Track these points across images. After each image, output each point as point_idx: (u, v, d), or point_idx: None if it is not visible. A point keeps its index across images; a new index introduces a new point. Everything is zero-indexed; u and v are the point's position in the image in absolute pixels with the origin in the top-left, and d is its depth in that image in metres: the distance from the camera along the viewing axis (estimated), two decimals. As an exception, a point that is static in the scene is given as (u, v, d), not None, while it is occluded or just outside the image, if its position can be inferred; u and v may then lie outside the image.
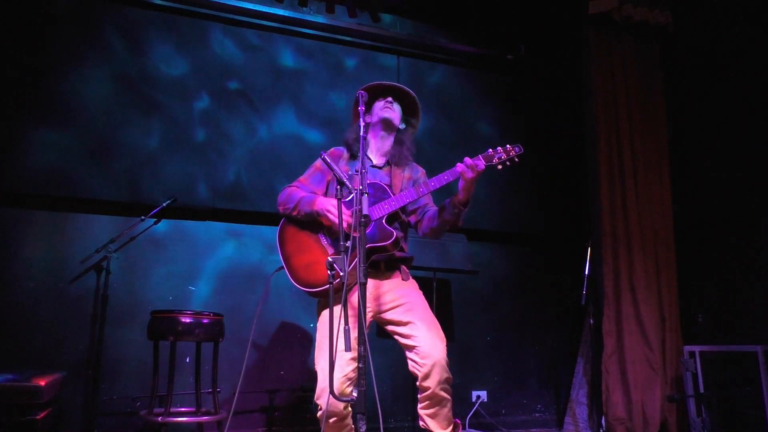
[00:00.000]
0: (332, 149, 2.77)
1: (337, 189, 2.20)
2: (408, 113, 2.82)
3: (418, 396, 2.44)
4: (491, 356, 4.61)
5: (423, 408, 2.44)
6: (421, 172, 2.79)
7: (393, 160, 2.71)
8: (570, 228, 4.90)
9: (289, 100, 4.32)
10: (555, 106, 5.11)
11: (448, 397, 2.42)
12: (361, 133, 2.34)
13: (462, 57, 4.90)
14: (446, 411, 2.43)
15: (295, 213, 2.59)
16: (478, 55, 4.94)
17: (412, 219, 2.71)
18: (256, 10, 4.26)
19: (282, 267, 2.58)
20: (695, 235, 4.41)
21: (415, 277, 2.68)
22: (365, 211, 2.07)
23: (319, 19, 4.46)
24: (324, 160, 2.31)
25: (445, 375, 2.39)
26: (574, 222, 4.87)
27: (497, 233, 4.81)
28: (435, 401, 2.40)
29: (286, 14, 4.36)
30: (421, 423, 2.46)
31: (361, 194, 2.10)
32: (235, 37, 4.27)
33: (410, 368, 2.45)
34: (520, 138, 4.81)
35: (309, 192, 2.66)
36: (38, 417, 2.67)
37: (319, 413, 2.31)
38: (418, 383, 2.41)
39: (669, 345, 4.18)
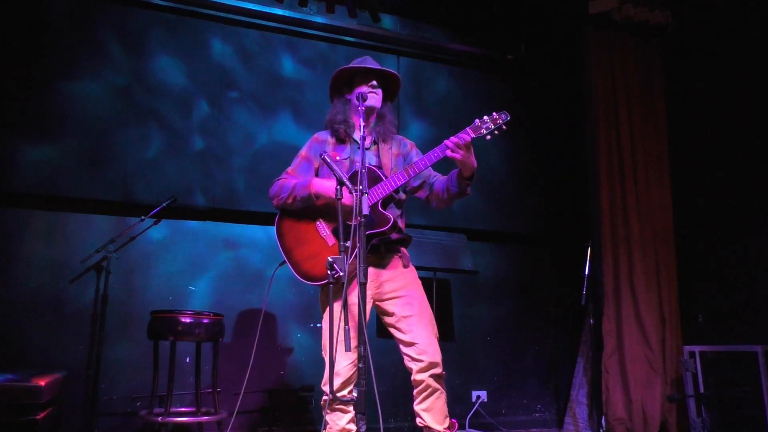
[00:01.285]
0: (316, 135, 2.73)
1: (336, 189, 2.19)
2: (390, 90, 2.75)
3: (413, 392, 2.46)
4: (491, 356, 4.61)
5: (418, 403, 2.46)
6: (410, 145, 2.76)
7: (379, 138, 2.66)
8: (570, 228, 4.90)
9: (289, 107, 4.31)
10: (555, 106, 5.11)
11: (442, 389, 2.46)
12: (361, 134, 2.34)
13: (462, 57, 4.90)
14: (441, 404, 2.45)
15: (290, 201, 2.54)
16: (478, 55, 4.94)
17: (422, 194, 2.69)
18: (255, 10, 4.25)
19: (284, 262, 2.55)
20: (695, 235, 4.41)
21: (414, 277, 2.68)
22: (365, 211, 2.07)
23: (319, 19, 4.46)
24: (324, 160, 2.29)
25: (440, 371, 2.44)
26: (574, 222, 4.86)
27: (497, 233, 4.81)
28: (429, 393, 2.43)
29: (286, 14, 4.35)
30: (418, 421, 2.48)
31: (361, 194, 2.10)
32: (235, 44, 4.26)
33: (405, 363, 2.49)
34: (520, 138, 4.89)
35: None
36: (38, 417, 2.67)
37: (323, 399, 2.39)
38: (412, 377, 2.46)
39: (669, 345, 4.18)
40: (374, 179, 2.47)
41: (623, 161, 4.40)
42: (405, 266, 2.59)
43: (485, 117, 2.45)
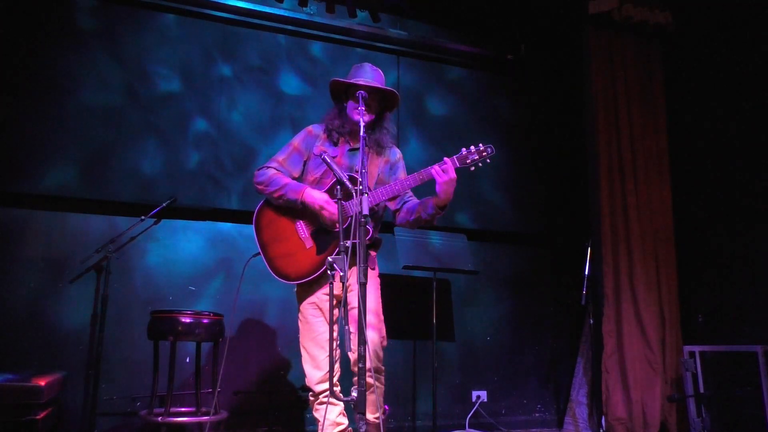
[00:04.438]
0: (310, 128, 2.76)
1: (336, 189, 2.21)
2: (387, 99, 2.73)
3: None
4: (491, 356, 4.61)
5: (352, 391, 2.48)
6: (398, 155, 2.80)
7: (371, 148, 2.67)
8: (570, 228, 4.90)
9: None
10: (555, 106, 5.12)
11: (377, 384, 2.50)
12: (362, 134, 2.33)
13: (462, 57, 4.90)
14: (372, 398, 2.47)
15: (276, 196, 2.59)
16: (479, 55, 4.94)
17: (392, 206, 2.73)
18: (255, 11, 4.26)
19: (258, 253, 2.62)
20: (695, 235, 4.41)
21: (415, 277, 2.70)
22: (365, 211, 2.08)
23: (319, 19, 4.46)
24: (324, 160, 2.32)
25: (374, 364, 2.47)
26: (574, 222, 4.87)
27: (497, 233, 4.81)
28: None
29: (286, 14, 4.36)
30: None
31: (361, 194, 2.11)
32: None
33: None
34: (520, 138, 4.90)
35: (287, 174, 2.67)
36: (38, 417, 2.67)
37: (311, 394, 2.54)
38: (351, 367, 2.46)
39: (669, 345, 4.18)
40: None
41: (623, 161, 4.40)
42: (371, 268, 2.65)
43: (472, 147, 2.53)
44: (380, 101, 2.69)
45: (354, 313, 2.49)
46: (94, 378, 3.46)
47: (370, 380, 2.45)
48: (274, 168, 2.68)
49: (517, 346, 4.71)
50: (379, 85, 2.66)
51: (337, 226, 2.19)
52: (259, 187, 2.65)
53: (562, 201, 4.99)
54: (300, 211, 2.61)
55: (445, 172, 2.46)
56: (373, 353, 2.47)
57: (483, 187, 4.76)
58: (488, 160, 2.54)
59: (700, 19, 4.54)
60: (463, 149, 2.53)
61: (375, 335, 2.51)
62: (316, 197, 2.54)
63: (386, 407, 2.63)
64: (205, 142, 4.08)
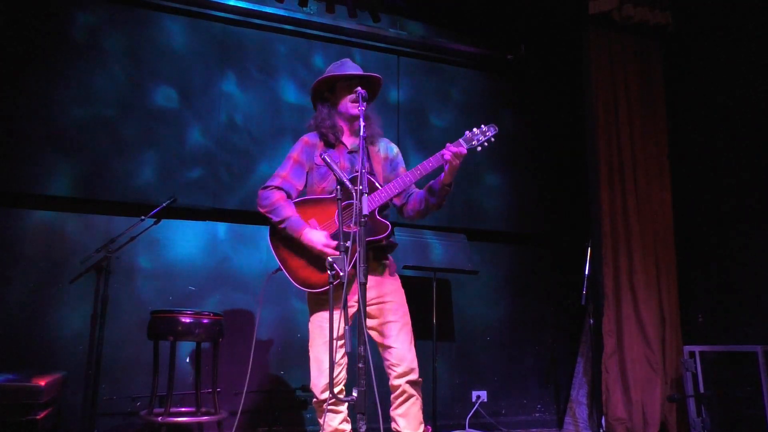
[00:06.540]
0: (305, 138, 2.70)
1: (336, 189, 2.21)
2: (371, 90, 2.71)
3: (391, 397, 2.50)
4: (491, 356, 4.61)
5: (394, 408, 2.50)
6: (396, 150, 2.78)
7: (367, 140, 2.60)
8: (570, 228, 4.90)
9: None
10: (555, 106, 5.12)
11: (418, 395, 2.50)
12: (362, 133, 2.33)
13: (462, 57, 4.90)
14: (416, 410, 2.49)
15: (280, 227, 2.54)
16: (479, 55, 4.94)
17: (397, 201, 2.69)
18: (255, 10, 4.26)
19: (279, 269, 2.56)
20: (695, 234, 4.41)
21: (415, 277, 2.70)
22: (366, 211, 2.08)
23: (319, 19, 4.46)
24: (324, 160, 2.31)
25: (416, 377, 2.49)
26: (574, 222, 4.87)
27: (497, 233, 4.81)
28: (405, 398, 2.47)
29: (286, 14, 4.36)
30: (392, 425, 2.51)
31: (361, 194, 2.11)
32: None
33: (385, 367, 2.52)
34: (519, 138, 4.89)
35: (293, 189, 2.63)
36: (38, 417, 2.67)
37: (314, 400, 2.50)
38: (390, 382, 2.49)
39: (669, 345, 4.18)
40: (369, 187, 2.45)
41: (623, 161, 4.40)
42: (391, 274, 2.63)
43: (475, 129, 2.52)
44: (367, 90, 2.64)
45: (385, 329, 2.52)
46: (94, 378, 3.46)
47: (412, 390, 2.46)
48: (278, 187, 2.61)
49: (517, 346, 4.71)
50: (371, 74, 2.66)
51: (338, 225, 2.18)
52: (263, 210, 2.58)
53: (562, 201, 4.99)
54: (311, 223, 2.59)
55: (457, 158, 2.44)
56: (414, 365, 2.50)
57: (483, 187, 4.76)
58: (492, 140, 2.53)
59: (699, 19, 4.54)
60: (467, 132, 2.51)
61: (412, 348, 2.53)
62: (315, 241, 2.47)
63: (429, 427, 2.63)
64: (204, 147, 4.07)
